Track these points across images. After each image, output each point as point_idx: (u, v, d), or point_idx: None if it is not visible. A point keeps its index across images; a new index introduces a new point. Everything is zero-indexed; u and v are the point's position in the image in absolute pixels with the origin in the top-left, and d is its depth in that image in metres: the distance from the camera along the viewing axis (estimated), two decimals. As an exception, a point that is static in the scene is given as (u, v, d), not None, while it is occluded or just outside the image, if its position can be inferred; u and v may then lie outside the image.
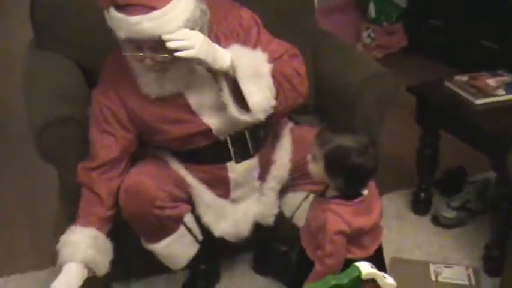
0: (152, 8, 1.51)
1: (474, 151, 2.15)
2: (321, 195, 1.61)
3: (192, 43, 1.52)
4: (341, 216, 1.50)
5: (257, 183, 1.82)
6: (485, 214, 2.27)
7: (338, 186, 1.54)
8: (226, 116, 1.65)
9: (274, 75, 1.63)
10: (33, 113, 1.81)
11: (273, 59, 1.67)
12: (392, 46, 3.76)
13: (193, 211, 1.82)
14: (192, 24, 1.56)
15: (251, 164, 1.78)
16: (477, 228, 2.26)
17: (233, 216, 1.82)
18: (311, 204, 1.63)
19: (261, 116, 1.61)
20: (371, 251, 1.58)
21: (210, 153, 1.75)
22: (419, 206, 2.36)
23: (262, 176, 1.83)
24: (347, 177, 1.51)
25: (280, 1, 2.25)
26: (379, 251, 1.63)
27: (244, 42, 1.68)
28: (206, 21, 1.62)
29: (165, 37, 1.51)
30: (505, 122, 2.00)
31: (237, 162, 1.75)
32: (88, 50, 2.01)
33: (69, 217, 1.74)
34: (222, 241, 1.84)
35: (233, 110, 1.60)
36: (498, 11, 3.13)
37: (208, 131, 1.71)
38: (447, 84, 2.20)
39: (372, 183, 1.60)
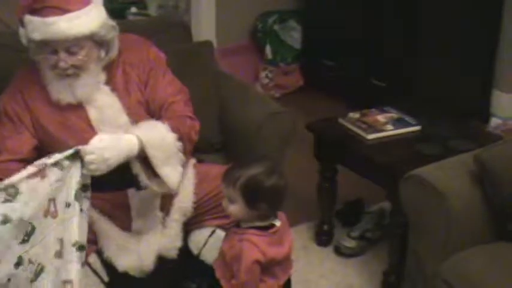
0: (67, 11, 1.63)
1: (370, 182, 2.29)
2: (236, 225, 1.66)
3: (102, 166, 1.59)
4: (257, 245, 1.56)
5: (159, 214, 1.84)
6: (383, 242, 2.41)
7: (262, 214, 1.60)
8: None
9: (181, 139, 1.72)
10: None
11: (171, 102, 1.80)
12: (289, 85, 3.92)
13: (98, 251, 1.80)
14: (104, 32, 1.71)
15: (152, 192, 1.79)
16: (376, 256, 2.39)
17: (136, 249, 1.82)
18: (226, 235, 1.68)
19: (176, 188, 1.72)
20: (282, 281, 1.65)
21: (110, 179, 1.73)
22: (322, 238, 2.45)
23: (165, 208, 1.85)
24: (269, 201, 1.58)
25: (181, 43, 2.32)
26: (288, 281, 1.69)
27: (149, 72, 1.82)
28: (115, 36, 1.77)
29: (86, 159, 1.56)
30: (395, 155, 2.15)
31: (138, 189, 1.76)
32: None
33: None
34: (127, 280, 1.82)
35: (149, 184, 1.69)
36: (384, 52, 3.37)
37: None
38: (341, 121, 2.33)
39: (283, 216, 1.67)
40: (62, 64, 1.67)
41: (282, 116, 2.13)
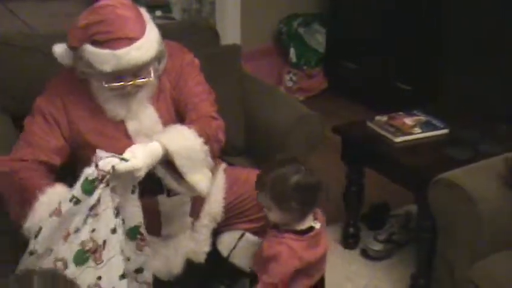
0: (134, 39, 1.62)
1: (395, 186, 2.29)
2: (274, 227, 1.67)
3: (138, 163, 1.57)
4: (296, 251, 1.57)
5: (189, 219, 1.85)
6: (409, 245, 2.40)
7: (297, 215, 1.60)
8: None
9: (208, 142, 1.71)
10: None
11: (197, 102, 1.80)
12: (313, 89, 3.93)
13: None
14: (161, 48, 1.71)
15: (182, 198, 1.80)
16: (403, 259, 2.38)
17: (164, 253, 1.83)
18: (266, 234, 1.69)
19: (206, 192, 1.71)
20: (315, 279, 1.67)
21: (140, 185, 1.74)
22: (349, 241, 2.45)
23: (195, 213, 1.86)
24: (298, 200, 1.57)
25: (209, 47, 2.34)
26: (321, 279, 1.72)
27: (180, 77, 1.82)
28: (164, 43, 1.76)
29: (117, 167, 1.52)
30: (423, 158, 2.15)
31: (168, 195, 1.78)
32: (17, 99, 2.03)
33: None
34: (156, 283, 1.83)
35: (177, 188, 1.70)
36: (409, 55, 3.36)
37: None
38: (369, 124, 2.34)
39: (320, 216, 1.68)
40: (130, 89, 1.67)
41: (311, 119, 2.14)
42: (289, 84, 3.90)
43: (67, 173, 1.76)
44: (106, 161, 1.51)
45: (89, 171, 1.51)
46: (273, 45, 3.98)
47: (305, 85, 3.91)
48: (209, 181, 1.71)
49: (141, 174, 1.57)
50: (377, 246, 2.39)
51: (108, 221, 1.53)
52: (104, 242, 1.52)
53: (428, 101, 2.89)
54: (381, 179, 2.34)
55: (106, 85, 1.67)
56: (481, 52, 3.18)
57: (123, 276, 1.55)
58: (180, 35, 2.30)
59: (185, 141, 1.66)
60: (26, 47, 2.10)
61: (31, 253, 1.54)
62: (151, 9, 4.69)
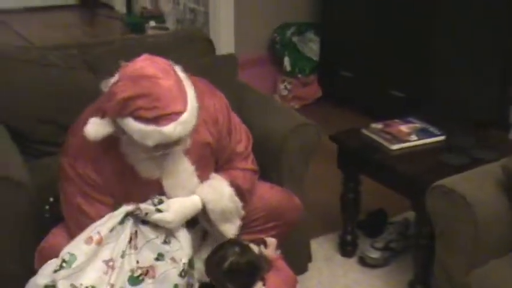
0: (179, 113, 1.52)
1: (392, 192, 2.29)
2: None
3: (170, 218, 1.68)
4: None
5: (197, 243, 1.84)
6: (407, 252, 2.41)
7: None
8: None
9: (245, 195, 1.82)
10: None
11: (236, 159, 1.83)
12: (307, 97, 3.94)
13: None
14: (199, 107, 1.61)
15: (197, 233, 1.82)
16: (401, 267, 2.38)
17: None
18: None
19: (234, 235, 1.81)
20: None
21: None
22: (346, 249, 2.45)
23: (202, 236, 1.86)
24: (234, 282, 1.63)
25: (204, 57, 2.34)
26: None
27: (221, 128, 1.78)
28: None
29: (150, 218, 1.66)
30: (420, 165, 2.15)
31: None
32: (16, 113, 2.05)
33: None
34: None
35: (211, 230, 1.80)
36: (403, 63, 3.38)
37: None
38: (364, 131, 2.34)
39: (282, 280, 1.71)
40: (165, 154, 1.61)
41: (308, 128, 2.14)
42: (284, 92, 3.91)
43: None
44: (145, 207, 1.66)
45: (129, 207, 1.66)
46: (267, 54, 4.00)
47: (300, 93, 3.92)
48: (237, 228, 1.80)
49: (172, 226, 1.68)
50: (375, 254, 2.39)
51: (152, 251, 1.67)
52: (151, 266, 1.66)
53: (422, 108, 2.92)
54: (378, 186, 2.34)
55: (144, 154, 1.58)
56: (470, 61, 3.21)
57: None
58: (175, 45, 2.31)
59: (222, 199, 1.75)
60: (23, 60, 2.10)
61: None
62: (145, 19, 4.75)
